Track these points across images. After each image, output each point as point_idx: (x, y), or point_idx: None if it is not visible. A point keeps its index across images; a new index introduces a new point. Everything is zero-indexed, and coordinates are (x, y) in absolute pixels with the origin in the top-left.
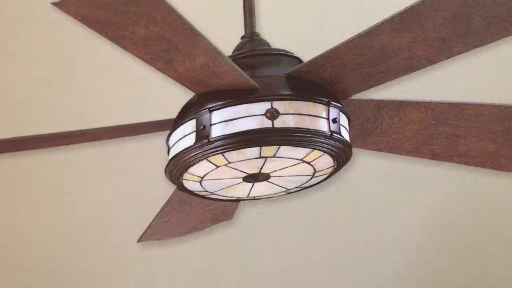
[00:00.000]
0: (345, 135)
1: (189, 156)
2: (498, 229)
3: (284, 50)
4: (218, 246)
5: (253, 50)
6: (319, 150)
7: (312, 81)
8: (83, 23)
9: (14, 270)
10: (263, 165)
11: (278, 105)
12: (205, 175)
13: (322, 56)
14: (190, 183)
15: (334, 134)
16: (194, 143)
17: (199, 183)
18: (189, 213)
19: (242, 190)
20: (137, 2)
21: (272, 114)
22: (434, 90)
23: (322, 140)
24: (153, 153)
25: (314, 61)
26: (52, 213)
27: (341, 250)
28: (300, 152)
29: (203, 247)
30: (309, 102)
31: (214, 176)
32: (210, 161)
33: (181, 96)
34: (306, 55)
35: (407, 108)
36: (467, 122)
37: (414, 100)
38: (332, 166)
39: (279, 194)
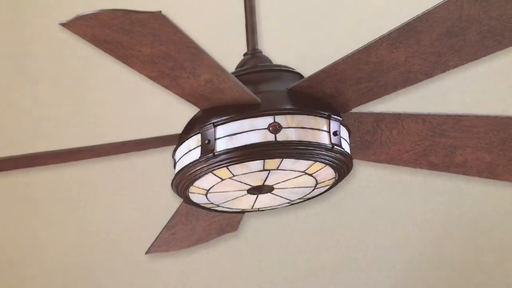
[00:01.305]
0: (346, 147)
1: (194, 170)
2: (497, 238)
3: (285, 66)
4: (223, 257)
5: (256, 67)
6: (320, 162)
7: (313, 95)
8: (91, 43)
9: (27, 283)
10: (267, 177)
11: (281, 119)
12: (210, 188)
13: (322, 71)
14: (196, 196)
15: (335, 147)
16: (199, 157)
17: (204, 196)
18: (195, 225)
19: (247, 202)
20: (143, 22)
21: (275, 128)
22: (431, 102)
23: (323, 152)
24: (159, 167)
25: (315, 76)
26: (62, 227)
27: (343, 259)
28: (302, 164)
29: (209, 258)
30: (310, 116)
31: (219, 188)
32: (215, 174)
33: (186, 112)
34: (307, 71)
35: (405, 120)
36: (464, 133)
37: (412, 113)
38: (333, 178)
39: (283, 205)
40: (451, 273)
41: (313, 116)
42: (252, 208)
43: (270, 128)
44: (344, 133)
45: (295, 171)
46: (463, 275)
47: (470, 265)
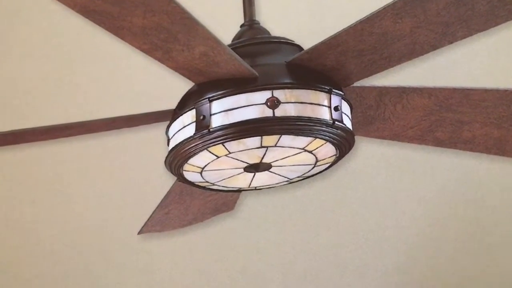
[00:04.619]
0: (347, 123)
1: (189, 147)
2: (502, 217)
3: (284, 38)
4: (219, 237)
5: (253, 39)
6: (321, 138)
7: (313, 68)
8: (81, 14)
9: (14, 264)
10: (264, 154)
11: (279, 93)
12: (205, 166)
13: (323, 43)
14: (191, 174)
15: (336, 122)
16: (194, 134)
17: (199, 174)
18: (189, 204)
19: (243, 180)
20: None
21: (273, 103)
22: (437, 75)
23: (324, 128)
24: (152, 144)
25: (315, 48)
26: (51, 206)
27: (344, 240)
28: (301, 141)
29: (204, 238)
30: (310, 90)
31: (214, 166)
32: (210, 152)
33: (180, 86)
34: (307, 43)
35: (410, 94)
36: (472, 108)
37: (418, 86)
38: (334, 155)
39: (281, 184)
40: (456, 253)
41: (313, 91)
42: (249, 186)
43: (268, 103)
44: (345, 108)
45: (294, 148)
46: (468, 255)
47: (475, 245)
